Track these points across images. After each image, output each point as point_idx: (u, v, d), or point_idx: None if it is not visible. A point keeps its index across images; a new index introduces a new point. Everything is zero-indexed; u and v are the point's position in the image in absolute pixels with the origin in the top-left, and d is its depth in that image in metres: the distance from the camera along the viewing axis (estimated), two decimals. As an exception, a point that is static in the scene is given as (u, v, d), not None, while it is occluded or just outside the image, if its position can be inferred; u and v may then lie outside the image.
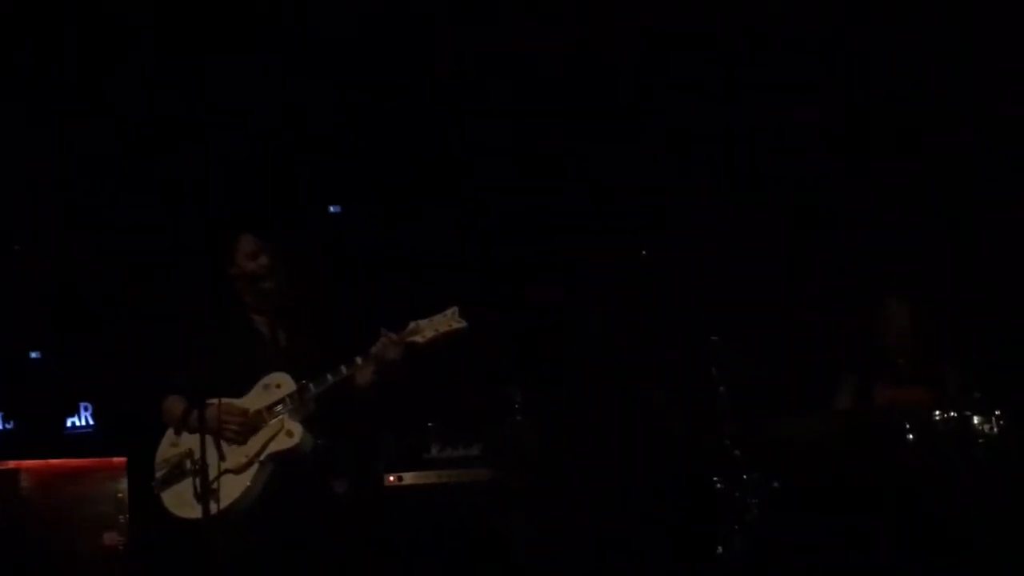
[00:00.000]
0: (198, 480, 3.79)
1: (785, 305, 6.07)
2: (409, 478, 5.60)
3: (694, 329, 5.45)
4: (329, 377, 3.98)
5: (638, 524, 5.53)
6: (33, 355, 6.76)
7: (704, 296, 5.86)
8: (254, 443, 3.98)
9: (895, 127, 6.06)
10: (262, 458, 3.95)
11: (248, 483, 3.92)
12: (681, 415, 5.73)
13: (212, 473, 3.79)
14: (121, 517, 7.38)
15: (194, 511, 3.84)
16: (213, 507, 3.76)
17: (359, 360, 3.99)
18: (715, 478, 5.03)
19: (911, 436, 4.69)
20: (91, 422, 6.88)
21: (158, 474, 4.07)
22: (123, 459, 6.97)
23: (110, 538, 7.53)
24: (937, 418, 4.71)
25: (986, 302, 5.84)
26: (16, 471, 7.87)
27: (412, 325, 4.00)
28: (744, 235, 6.23)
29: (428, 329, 3.97)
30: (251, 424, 3.99)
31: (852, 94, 6.09)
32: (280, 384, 4.04)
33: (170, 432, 4.11)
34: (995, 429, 4.65)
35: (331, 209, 6.69)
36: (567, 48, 5.96)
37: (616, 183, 6.30)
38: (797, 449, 4.94)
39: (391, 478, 5.58)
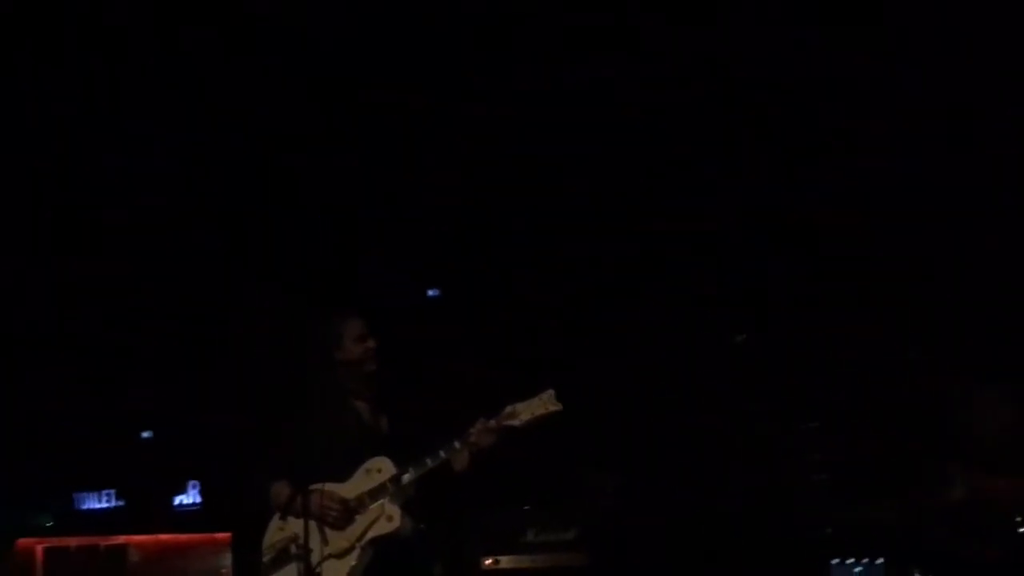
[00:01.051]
0: (302, 565, 3.87)
1: (880, 391, 5.95)
2: (505, 562, 5.60)
3: (792, 415, 5.39)
4: (428, 462, 4.02)
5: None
6: (144, 435, 6.97)
7: (803, 382, 5.80)
8: (356, 528, 4.02)
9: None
10: (363, 543, 3.98)
11: (350, 567, 3.96)
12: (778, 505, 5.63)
13: (316, 558, 3.85)
14: (224, 592, 7.50)
15: (299, 595, 3.91)
16: (317, 591, 3.82)
17: (457, 444, 4.02)
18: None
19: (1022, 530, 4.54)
20: (198, 500, 7.04)
21: (265, 558, 4.12)
22: (227, 535, 7.11)
23: (213, 612, 7.65)
24: None
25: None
26: (124, 546, 8.08)
27: (509, 409, 4.02)
28: (837, 320, 6.14)
29: (525, 412, 3.99)
30: (352, 509, 4.05)
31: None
32: (381, 469, 4.09)
33: (277, 517, 4.18)
34: None
35: (429, 293, 6.79)
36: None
37: (716, 264, 6.28)
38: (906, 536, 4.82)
39: (488, 561, 5.58)
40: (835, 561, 5.04)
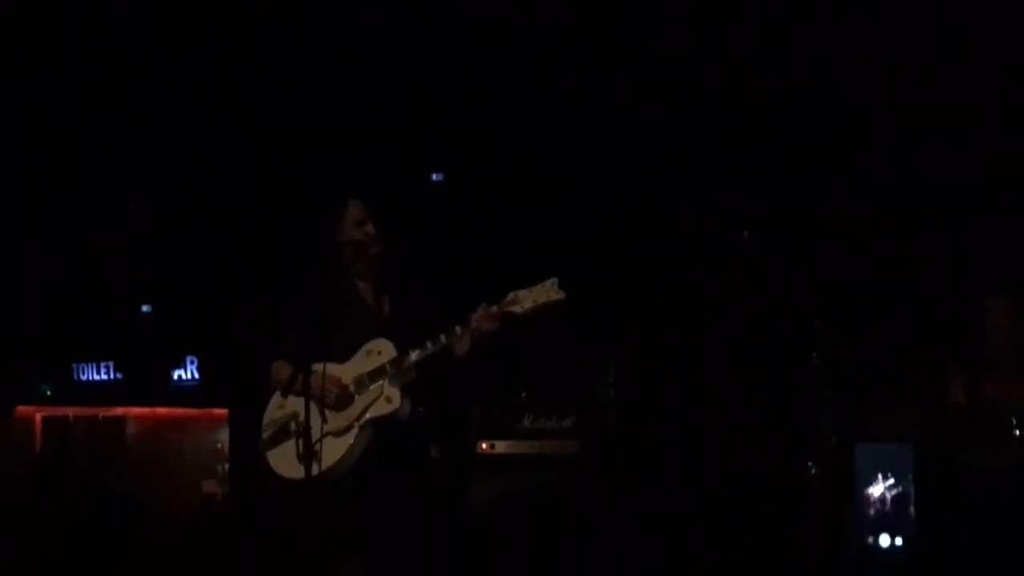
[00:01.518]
0: (301, 442, 3.88)
1: (888, 296, 5.94)
2: (501, 447, 5.65)
3: (795, 314, 5.37)
4: (429, 345, 4.01)
5: (725, 505, 5.50)
6: (144, 309, 6.97)
7: (806, 281, 5.77)
8: (355, 408, 4.04)
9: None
10: (361, 422, 4.01)
11: (348, 446, 3.99)
12: (775, 400, 5.65)
13: (315, 436, 3.86)
14: (220, 467, 7.61)
15: (296, 471, 3.91)
16: (315, 468, 3.84)
17: (458, 329, 4.01)
18: (810, 464, 4.97)
19: (1018, 432, 4.58)
20: (196, 376, 7.07)
21: (265, 435, 4.15)
22: (222, 411, 7.17)
23: (209, 486, 7.77)
24: None
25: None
26: (122, 418, 8.16)
27: (511, 296, 3.99)
28: (841, 221, 6.10)
29: (527, 299, 3.96)
30: (352, 390, 4.06)
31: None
32: (382, 351, 4.09)
33: (277, 395, 4.20)
34: None
35: (433, 177, 6.72)
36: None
37: (721, 164, 6.21)
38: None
39: (484, 445, 5.64)
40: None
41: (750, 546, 5.26)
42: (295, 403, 4.07)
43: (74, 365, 7.59)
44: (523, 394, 5.77)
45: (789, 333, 5.45)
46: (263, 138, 6.34)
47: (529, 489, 5.54)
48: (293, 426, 4.07)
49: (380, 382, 4.05)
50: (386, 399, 4.03)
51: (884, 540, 5.05)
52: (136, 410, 8.05)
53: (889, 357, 5.56)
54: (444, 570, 4.46)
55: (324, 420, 4.03)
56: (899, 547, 5.00)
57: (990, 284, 5.26)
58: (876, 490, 5.11)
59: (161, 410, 8.01)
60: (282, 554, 4.76)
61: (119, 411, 7.99)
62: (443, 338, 4.02)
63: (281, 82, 6.18)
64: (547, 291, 3.97)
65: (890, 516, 5.04)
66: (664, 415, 5.77)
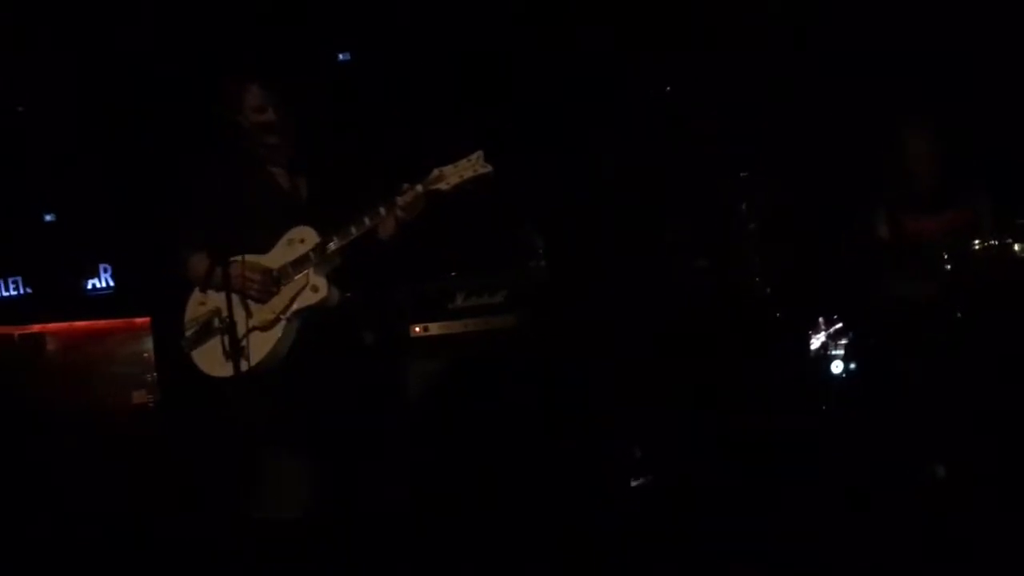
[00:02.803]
0: (227, 338, 3.77)
1: (808, 136, 5.93)
2: (435, 328, 5.58)
3: (722, 164, 5.33)
4: (353, 230, 3.89)
5: (662, 361, 5.52)
6: (48, 218, 6.69)
7: (730, 131, 5.71)
8: (280, 299, 3.93)
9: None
10: (288, 314, 3.91)
11: (276, 339, 3.89)
12: (707, 250, 5.64)
13: (240, 331, 3.75)
14: (148, 376, 7.45)
15: (224, 369, 3.83)
16: (243, 364, 3.74)
17: (382, 211, 3.88)
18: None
19: (948, 266, 4.62)
20: (111, 283, 6.85)
21: (187, 333, 4.04)
22: (147, 319, 6.99)
23: (139, 396, 7.62)
24: (976, 247, 4.63)
25: (1007, 121, 5.70)
26: (41, 335, 7.92)
27: (436, 172, 3.86)
28: (764, 69, 6.05)
29: (452, 175, 3.83)
30: (276, 280, 3.94)
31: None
32: (304, 239, 3.96)
33: (197, 291, 4.06)
34: None
35: (340, 57, 6.48)
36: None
37: (640, 21, 6.06)
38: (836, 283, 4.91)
39: (417, 328, 5.56)
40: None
41: (697, 391, 5.30)
42: (216, 298, 3.94)
43: (-20, 284, 7.31)
44: (452, 273, 5.67)
45: (717, 185, 5.40)
46: (162, 26, 6.03)
47: (465, 367, 5.48)
48: (217, 322, 3.96)
49: (305, 271, 3.94)
50: (312, 288, 3.92)
51: (836, 367, 5.18)
52: (53, 325, 7.78)
53: (813, 200, 5.57)
54: (386, 456, 4.40)
55: (249, 314, 3.92)
56: (852, 371, 5.14)
57: (905, 120, 5.24)
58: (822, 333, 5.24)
59: (80, 323, 7.76)
60: (220, 456, 4.69)
61: (36, 327, 7.72)
62: (367, 221, 3.90)
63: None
64: (472, 165, 3.84)
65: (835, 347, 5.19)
66: (598, 276, 5.72)
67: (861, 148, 5.64)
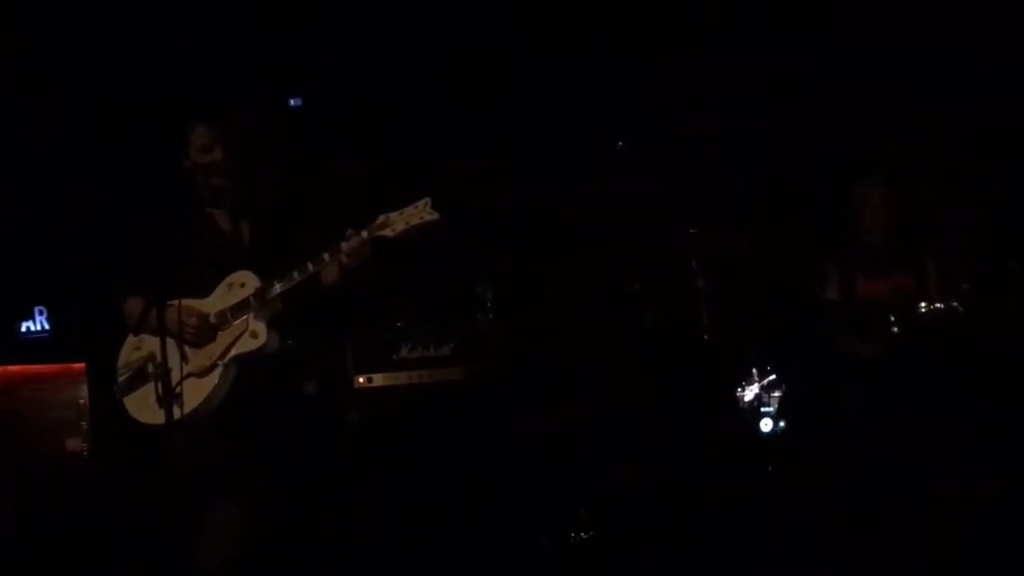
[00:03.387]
0: (160, 384, 3.66)
1: (763, 194, 5.98)
2: (379, 379, 5.47)
3: (671, 221, 5.34)
4: (295, 275, 3.82)
5: (611, 419, 5.47)
6: (-18, 259, 6.52)
7: (682, 187, 5.73)
8: (217, 345, 3.84)
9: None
10: (226, 360, 3.82)
11: (212, 386, 3.79)
12: (657, 308, 5.62)
13: (175, 377, 3.64)
14: (83, 423, 7.26)
15: (157, 416, 3.70)
16: (176, 412, 3.63)
17: (326, 256, 3.82)
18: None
19: (895, 329, 4.64)
20: (46, 327, 6.68)
21: (120, 379, 3.94)
22: (82, 364, 6.82)
23: (73, 444, 7.40)
24: (923, 309, 4.65)
25: (963, 185, 5.78)
26: (-30, 379, 7.70)
27: (382, 218, 3.81)
28: (719, 124, 6.10)
29: (398, 222, 3.78)
30: (214, 325, 3.84)
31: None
32: (244, 283, 3.88)
33: (132, 336, 3.96)
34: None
35: (291, 102, 6.44)
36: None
37: (591, 75, 6.10)
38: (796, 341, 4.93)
39: (361, 379, 5.45)
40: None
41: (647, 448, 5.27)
42: (152, 343, 3.84)
43: (-91, 325, 7.09)
44: (398, 323, 5.58)
45: (666, 240, 5.39)
46: (110, 64, 5.97)
47: (411, 420, 5.38)
48: (150, 368, 3.85)
49: (244, 316, 3.85)
50: (251, 334, 3.84)
51: (765, 425, 5.21)
52: (-15, 368, 7.56)
53: (765, 258, 5.59)
54: (324, 509, 4.29)
55: (185, 360, 3.82)
56: (779, 430, 5.20)
57: (860, 182, 5.29)
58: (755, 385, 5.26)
59: (12, 367, 7.55)
60: (152, 504, 4.56)
61: (-35, 371, 7.50)
62: (310, 266, 3.84)
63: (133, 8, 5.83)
64: (420, 212, 3.80)
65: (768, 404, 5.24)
66: (547, 332, 5.68)
67: (815, 207, 5.69)
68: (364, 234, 3.80)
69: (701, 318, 5.08)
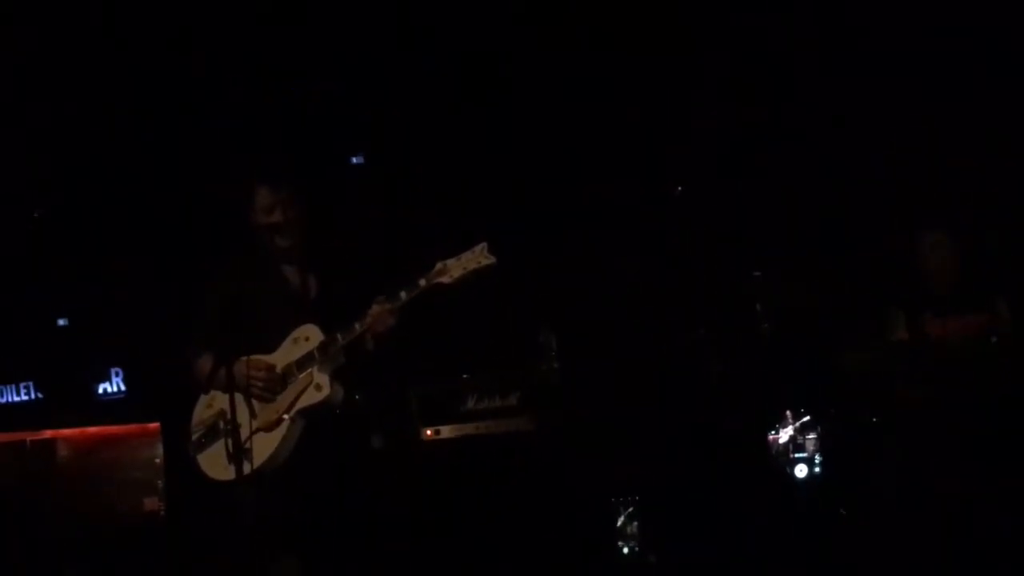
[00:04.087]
0: (230, 440, 3.74)
1: (828, 239, 5.96)
2: (446, 431, 5.52)
3: (735, 266, 5.34)
4: (357, 326, 3.88)
5: (681, 469, 5.45)
6: (61, 322, 6.74)
7: (744, 232, 5.74)
8: (284, 399, 3.91)
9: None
10: (292, 414, 3.88)
11: (280, 440, 3.85)
12: (723, 355, 5.61)
13: (244, 432, 3.72)
14: (159, 482, 7.40)
15: (228, 472, 3.78)
16: (247, 467, 3.69)
17: (388, 306, 3.87)
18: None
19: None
20: (123, 388, 6.86)
21: (194, 437, 4.02)
22: (157, 424, 6.97)
23: (151, 503, 7.56)
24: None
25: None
26: (52, 440, 7.91)
27: (439, 265, 3.86)
28: (781, 169, 6.11)
29: (455, 268, 3.83)
30: (280, 380, 3.92)
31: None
32: (309, 336, 3.95)
33: (203, 394, 4.05)
34: None
35: (353, 160, 6.59)
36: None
37: (651, 119, 6.16)
38: (855, 383, 4.88)
39: (428, 432, 5.50)
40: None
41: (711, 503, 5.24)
42: (222, 400, 3.91)
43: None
44: (464, 375, 5.63)
45: (731, 286, 5.39)
46: (174, 123, 6.17)
47: (481, 472, 5.41)
48: (222, 424, 3.93)
49: (309, 370, 3.92)
50: (316, 387, 3.90)
51: (800, 471, 5.20)
52: (65, 431, 7.78)
53: (831, 301, 5.56)
54: (397, 565, 4.34)
55: (253, 415, 3.90)
56: (815, 475, 5.20)
57: (924, 220, 5.27)
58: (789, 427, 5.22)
59: (91, 429, 7.75)
60: (223, 559, 4.63)
61: (48, 433, 7.71)
62: (370, 317, 3.88)
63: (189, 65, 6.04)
64: (476, 257, 3.84)
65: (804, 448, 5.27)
66: (611, 382, 5.69)
67: (880, 249, 5.66)
68: (422, 282, 3.83)
69: (767, 364, 5.05)
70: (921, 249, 5.15)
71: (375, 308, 3.84)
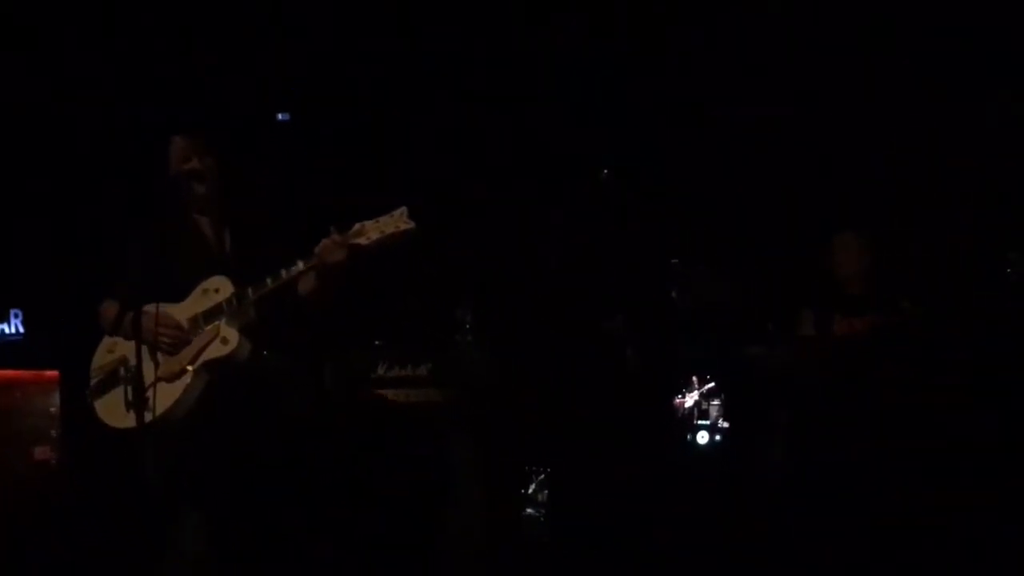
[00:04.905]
0: (131, 389, 3.72)
1: (744, 235, 6.10)
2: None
3: (654, 253, 5.42)
4: (269, 281, 3.87)
5: (587, 449, 5.54)
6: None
7: (666, 219, 5.83)
8: (189, 351, 3.89)
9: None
10: (196, 366, 3.86)
11: (181, 392, 3.84)
12: (638, 339, 5.70)
13: (146, 381, 3.69)
14: (53, 431, 7.28)
15: (126, 420, 3.78)
16: (146, 416, 3.67)
17: (301, 264, 3.87)
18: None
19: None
20: (21, 330, 6.72)
21: (92, 381, 3.99)
22: (55, 372, 6.85)
23: (41, 452, 7.42)
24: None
25: (939, 234, 5.92)
26: (-61, 382, 7.72)
27: (357, 226, 3.86)
28: (707, 159, 6.22)
29: (373, 230, 3.84)
30: (186, 331, 3.90)
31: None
32: (219, 288, 3.94)
33: (107, 339, 4.02)
34: None
35: (279, 116, 6.54)
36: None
37: (584, 97, 6.21)
38: (761, 375, 5.03)
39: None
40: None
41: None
42: (125, 347, 3.91)
43: None
44: (377, 343, 5.64)
45: (649, 272, 5.49)
46: (91, 71, 6.07)
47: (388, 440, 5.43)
48: (123, 371, 3.91)
49: (216, 322, 3.90)
50: (222, 340, 3.89)
51: (702, 438, 5.45)
52: (-45, 373, 7.58)
53: (743, 294, 5.70)
54: (288, 521, 4.33)
55: (156, 364, 3.86)
56: (716, 443, 5.45)
57: (838, 221, 5.46)
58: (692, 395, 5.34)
59: (-17, 372, 7.56)
60: (119, 508, 4.60)
61: (-62, 374, 7.51)
62: (284, 273, 3.89)
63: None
64: (395, 221, 3.86)
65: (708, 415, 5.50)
66: (525, 360, 5.74)
67: (795, 257, 5.84)
68: (338, 238, 3.85)
69: (680, 351, 5.17)
70: (832, 250, 5.36)
71: (325, 241, 3.82)
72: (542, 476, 5.41)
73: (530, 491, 5.46)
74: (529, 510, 5.40)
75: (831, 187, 6.11)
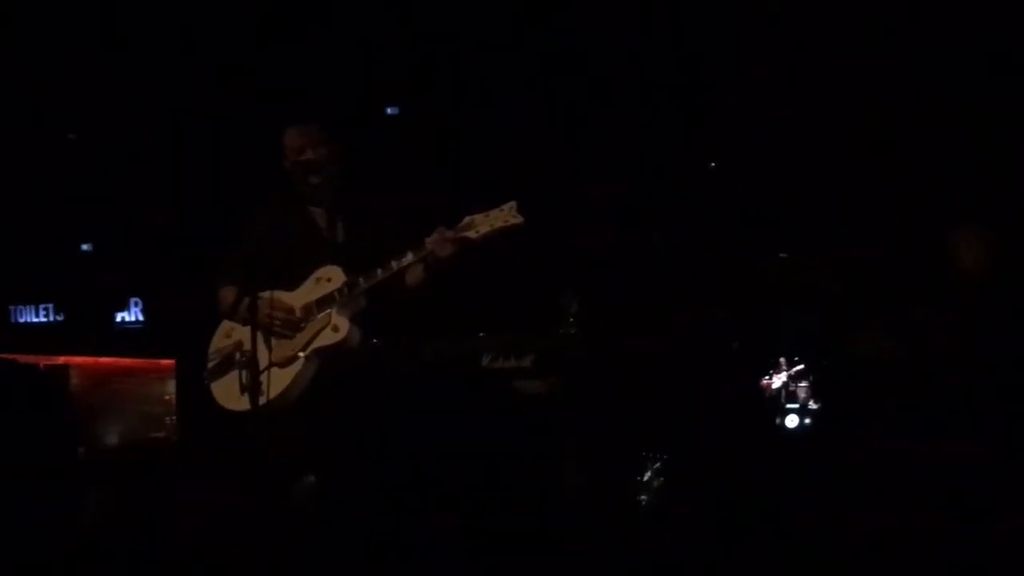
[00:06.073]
0: (245, 373, 3.90)
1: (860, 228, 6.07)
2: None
3: (758, 247, 5.44)
4: (379, 271, 4.02)
5: (691, 442, 5.57)
6: (84, 247, 6.89)
7: (770, 212, 5.84)
8: (301, 337, 4.06)
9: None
10: (307, 352, 4.03)
11: (292, 377, 4.01)
12: (740, 332, 5.73)
13: (260, 366, 3.85)
14: (168, 418, 7.60)
15: (241, 403, 3.95)
16: (260, 400, 3.84)
17: (411, 255, 4.01)
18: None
19: None
20: (140, 318, 7.02)
21: (210, 364, 4.19)
22: (172, 361, 7.13)
23: (157, 437, 7.75)
24: None
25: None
26: (65, 367, 8.12)
27: (467, 220, 3.99)
28: (811, 149, 6.21)
29: (483, 224, 3.96)
30: (299, 318, 4.07)
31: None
32: (331, 278, 4.10)
33: (225, 323, 4.22)
34: None
35: (388, 111, 6.71)
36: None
37: (693, 93, 6.26)
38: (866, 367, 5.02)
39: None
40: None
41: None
42: (241, 332, 4.10)
43: (11, 307, 7.51)
44: (481, 334, 5.75)
45: (755, 265, 5.52)
46: (213, 65, 6.31)
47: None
48: (238, 356, 4.09)
49: (328, 310, 4.06)
50: (333, 328, 4.05)
51: (791, 421, 5.39)
52: (78, 359, 7.98)
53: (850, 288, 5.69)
54: (398, 508, 4.49)
55: (269, 350, 4.04)
56: (806, 426, 5.38)
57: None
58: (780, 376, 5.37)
59: (105, 359, 7.95)
60: (232, 487, 4.79)
61: (62, 359, 7.92)
62: (394, 264, 4.03)
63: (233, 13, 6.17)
64: (505, 215, 3.96)
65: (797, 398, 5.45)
66: (627, 351, 5.81)
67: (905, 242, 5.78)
68: (449, 233, 3.98)
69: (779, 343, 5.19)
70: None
71: (435, 235, 3.96)
72: (657, 464, 5.45)
73: (645, 478, 5.50)
74: (643, 497, 5.45)
75: (945, 178, 6.01)
